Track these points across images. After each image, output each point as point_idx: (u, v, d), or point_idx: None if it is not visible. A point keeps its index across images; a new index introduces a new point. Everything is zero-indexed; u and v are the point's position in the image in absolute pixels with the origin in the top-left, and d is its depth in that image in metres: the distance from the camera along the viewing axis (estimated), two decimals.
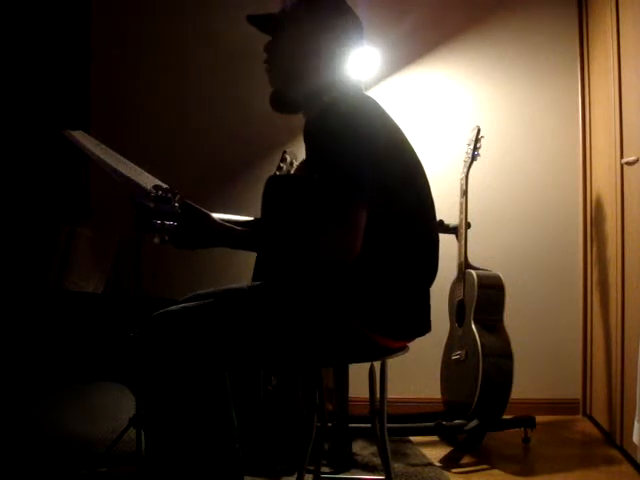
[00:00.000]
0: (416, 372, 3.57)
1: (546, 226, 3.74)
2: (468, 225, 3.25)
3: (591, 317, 3.59)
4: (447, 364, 3.33)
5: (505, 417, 3.16)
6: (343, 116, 1.79)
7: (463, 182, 3.29)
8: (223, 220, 1.86)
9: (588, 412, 3.61)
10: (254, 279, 2.17)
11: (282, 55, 1.94)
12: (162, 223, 1.70)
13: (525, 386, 3.48)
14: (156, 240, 1.73)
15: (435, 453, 3.07)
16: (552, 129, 3.75)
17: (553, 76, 3.75)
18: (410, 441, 3.21)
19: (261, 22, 1.96)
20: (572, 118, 3.72)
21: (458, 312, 3.25)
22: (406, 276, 1.87)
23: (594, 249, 3.54)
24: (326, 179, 1.78)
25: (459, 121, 3.73)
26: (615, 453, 3.05)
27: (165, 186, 1.76)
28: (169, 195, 1.71)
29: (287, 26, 1.92)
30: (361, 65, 3.39)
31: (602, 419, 3.36)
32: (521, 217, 3.74)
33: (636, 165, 2.85)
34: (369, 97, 1.95)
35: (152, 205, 1.70)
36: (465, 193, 3.27)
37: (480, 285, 3.16)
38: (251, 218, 2.13)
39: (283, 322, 1.82)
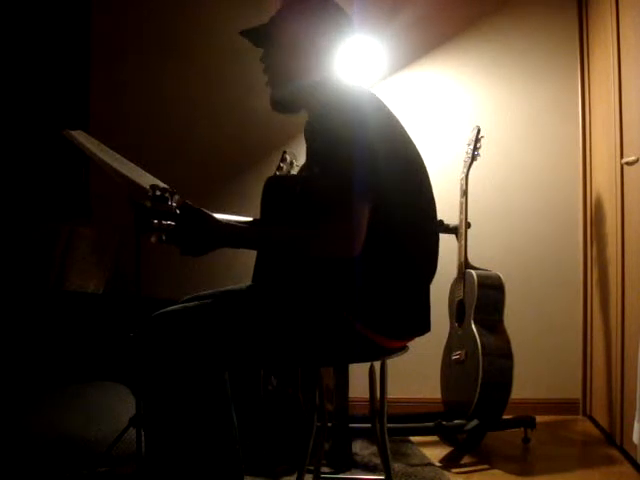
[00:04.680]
0: (416, 372, 3.57)
1: (546, 226, 3.74)
2: (468, 225, 3.25)
3: (591, 317, 3.59)
4: (447, 364, 3.33)
5: (505, 417, 3.16)
6: (339, 115, 1.80)
7: (463, 182, 3.29)
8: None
9: (588, 412, 3.61)
10: (254, 279, 2.17)
11: (277, 60, 1.96)
12: (159, 222, 1.71)
13: (525, 386, 3.48)
14: (153, 239, 1.73)
15: (435, 453, 3.07)
16: (552, 129, 3.75)
17: (553, 76, 3.75)
18: (410, 441, 3.21)
19: (254, 35, 1.98)
20: (572, 118, 3.72)
21: (458, 312, 3.25)
22: (406, 275, 1.87)
23: (594, 249, 3.54)
24: (324, 178, 1.79)
25: (459, 121, 3.73)
26: (615, 453, 3.05)
27: (163, 185, 1.76)
28: (167, 195, 1.72)
29: (278, 31, 1.94)
30: (362, 65, 3.39)
31: (602, 419, 3.36)
32: (521, 217, 3.74)
33: (636, 165, 2.85)
34: (368, 93, 1.95)
35: (149, 205, 1.71)
36: (465, 193, 3.27)
37: (480, 285, 3.16)
38: (251, 219, 2.13)
39: (283, 322, 1.82)
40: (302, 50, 1.93)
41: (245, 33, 1.98)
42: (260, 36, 1.98)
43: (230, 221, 1.89)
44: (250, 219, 2.13)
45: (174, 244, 1.78)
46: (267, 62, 1.98)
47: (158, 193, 1.71)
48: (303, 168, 2.97)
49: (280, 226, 1.83)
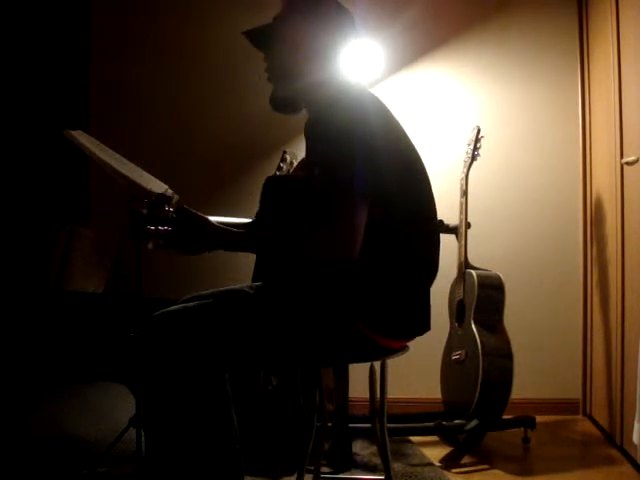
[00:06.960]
0: (416, 372, 3.57)
1: (546, 226, 3.74)
2: (468, 225, 3.25)
3: (591, 317, 3.59)
4: (447, 364, 3.33)
5: (505, 417, 3.16)
6: (341, 115, 1.80)
7: (463, 182, 3.29)
8: (221, 223, 1.86)
9: (588, 412, 3.61)
10: (254, 280, 2.18)
11: (280, 58, 1.95)
12: (156, 229, 1.71)
13: (525, 386, 3.48)
14: (150, 246, 1.74)
15: (435, 453, 3.07)
16: (552, 129, 3.75)
17: (553, 76, 3.75)
18: (410, 441, 3.21)
19: (256, 36, 1.97)
20: (572, 118, 3.72)
21: (458, 312, 3.25)
22: (407, 275, 1.87)
23: (594, 249, 3.54)
24: (325, 179, 1.78)
25: (459, 121, 3.73)
26: (615, 453, 3.05)
27: (163, 189, 1.76)
28: (163, 200, 1.73)
29: (281, 30, 1.94)
30: (362, 65, 3.39)
31: (602, 419, 3.36)
32: (521, 217, 3.74)
33: (636, 165, 2.85)
34: (369, 94, 1.95)
35: (145, 212, 1.71)
36: (465, 193, 3.27)
37: (480, 285, 3.16)
38: (249, 220, 2.13)
39: (283, 322, 1.82)
40: (305, 49, 1.93)
41: (247, 34, 1.98)
42: (261, 38, 1.97)
43: (229, 224, 1.89)
44: (248, 220, 2.13)
45: (172, 248, 1.79)
46: (270, 60, 1.98)
47: (154, 199, 1.72)
48: (300, 166, 2.97)
49: (278, 230, 1.83)
